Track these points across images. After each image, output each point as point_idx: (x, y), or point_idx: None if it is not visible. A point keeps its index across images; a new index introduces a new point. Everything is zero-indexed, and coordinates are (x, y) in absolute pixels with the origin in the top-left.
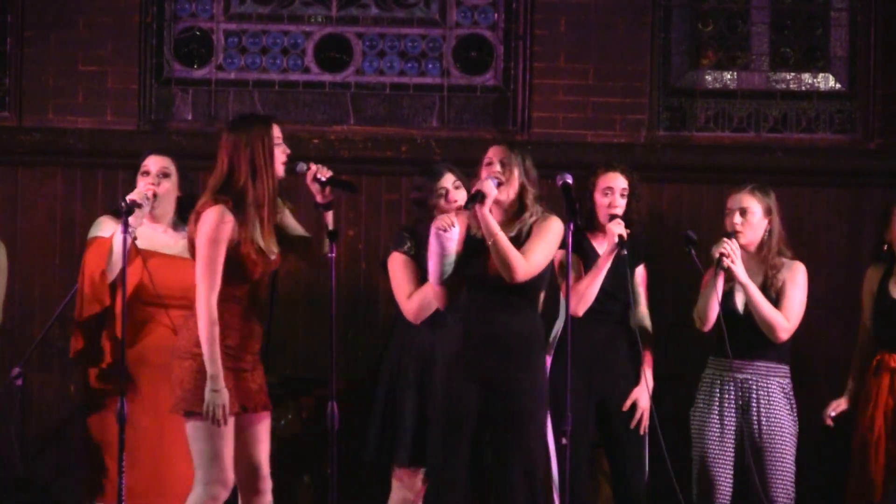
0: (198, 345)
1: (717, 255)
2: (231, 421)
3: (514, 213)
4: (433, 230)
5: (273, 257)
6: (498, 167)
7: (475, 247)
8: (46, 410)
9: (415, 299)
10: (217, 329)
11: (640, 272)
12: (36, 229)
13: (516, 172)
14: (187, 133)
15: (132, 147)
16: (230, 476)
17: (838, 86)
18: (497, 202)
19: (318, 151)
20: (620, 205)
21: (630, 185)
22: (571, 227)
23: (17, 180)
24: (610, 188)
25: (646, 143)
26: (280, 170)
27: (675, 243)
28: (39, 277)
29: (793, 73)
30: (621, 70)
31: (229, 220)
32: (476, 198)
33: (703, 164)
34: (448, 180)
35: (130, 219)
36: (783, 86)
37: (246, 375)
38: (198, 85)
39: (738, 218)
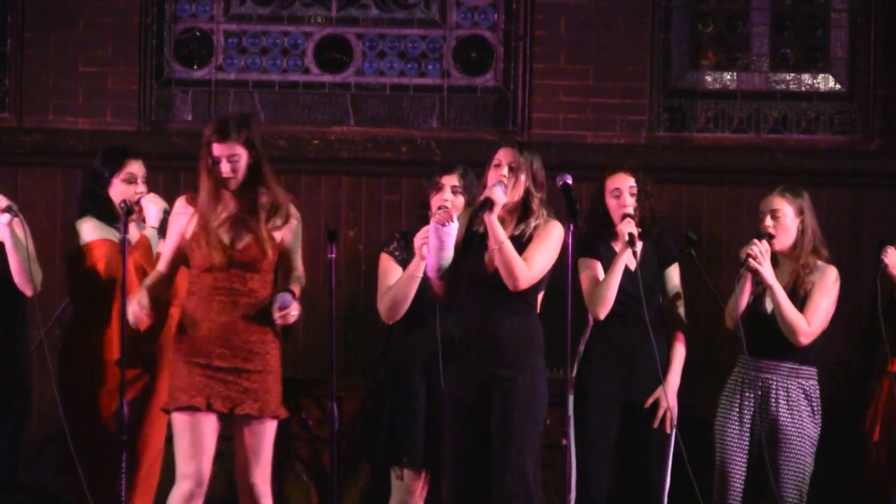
0: (173, 342)
1: (743, 257)
2: (207, 418)
3: (517, 216)
4: (431, 224)
5: (240, 246)
6: (505, 170)
7: (475, 242)
8: (46, 410)
9: (384, 299)
10: (146, 283)
11: (674, 272)
12: (36, 230)
13: (523, 176)
14: (187, 134)
15: (132, 148)
16: (202, 471)
17: (838, 86)
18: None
19: (318, 152)
20: (630, 203)
21: (638, 182)
22: (571, 228)
23: (17, 181)
24: (618, 189)
25: (646, 144)
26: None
27: (674, 244)
28: None
29: (793, 74)
30: (621, 71)
31: (185, 209)
32: (485, 206)
33: (703, 164)
34: (450, 180)
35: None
36: (783, 86)
37: (224, 375)
38: (198, 86)
39: (769, 220)
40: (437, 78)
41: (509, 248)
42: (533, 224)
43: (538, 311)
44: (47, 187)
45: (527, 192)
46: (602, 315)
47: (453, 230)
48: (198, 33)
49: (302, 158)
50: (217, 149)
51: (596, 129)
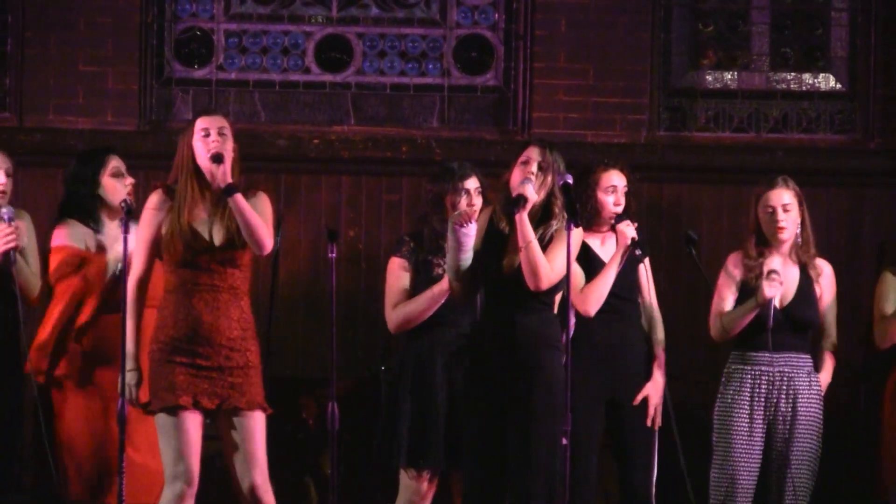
0: (152, 341)
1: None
2: (192, 417)
3: (539, 217)
4: (450, 226)
5: (217, 243)
6: (534, 168)
7: (495, 241)
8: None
9: (399, 313)
10: (132, 308)
11: (644, 267)
12: (36, 230)
13: (550, 178)
14: None
15: (132, 148)
16: (192, 470)
17: (838, 86)
18: None
19: (318, 152)
20: (623, 203)
21: (629, 182)
22: (572, 227)
23: (17, 181)
24: (613, 186)
25: (646, 144)
26: (202, 160)
27: (674, 243)
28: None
29: (793, 74)
30: (621, 70)
31: (157, 203)
32: (518, 202)
33: (704, 164)
34: (473, 183)
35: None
36: (783, 86)
37: (209, 373)
38: (198, 85)
39: (781, 214)
40: (438, 77)
41: (536, 247)
42: (554, 226)
43: (555, 310)
44: (48, 187)
45: (551, 194)
46: (593, 312)
47: (472, 231)
48: (198, 33)
49: (302, 158)
50: (204, 121)
51: (596, 129)
